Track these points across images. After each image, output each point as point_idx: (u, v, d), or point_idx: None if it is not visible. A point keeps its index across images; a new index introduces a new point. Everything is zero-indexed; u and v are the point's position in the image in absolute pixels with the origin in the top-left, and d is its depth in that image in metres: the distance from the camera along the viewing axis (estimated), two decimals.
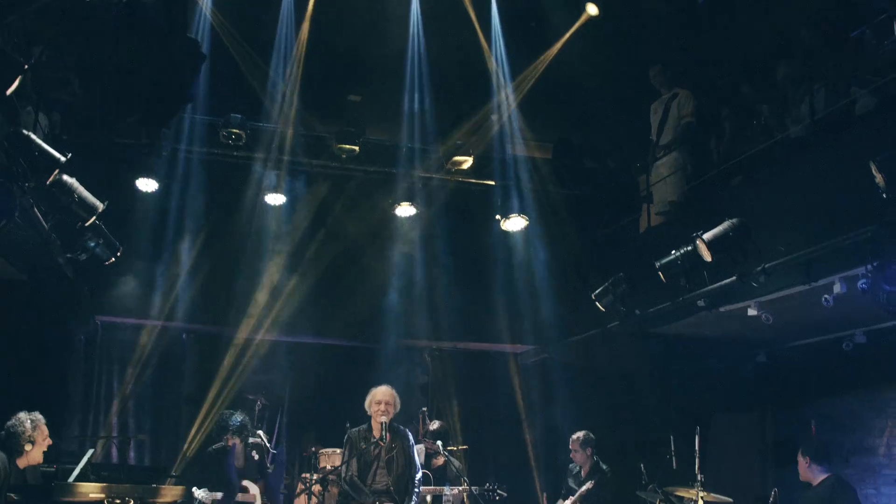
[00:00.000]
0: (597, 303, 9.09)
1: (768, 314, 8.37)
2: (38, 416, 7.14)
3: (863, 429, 10.10)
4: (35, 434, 7.07)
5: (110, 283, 9.56)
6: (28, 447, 7.03)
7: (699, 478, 8.61)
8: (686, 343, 10.08)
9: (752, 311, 8.42)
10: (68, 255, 8.02)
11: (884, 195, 6.48)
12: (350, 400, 8.52)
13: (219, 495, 8.36)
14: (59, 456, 8.58)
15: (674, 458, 9.21)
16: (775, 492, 8.49)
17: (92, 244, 7.92)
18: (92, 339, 9.93)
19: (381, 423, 8.10)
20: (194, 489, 8.19)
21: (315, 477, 8.15)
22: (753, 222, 7.66)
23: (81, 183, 7.24)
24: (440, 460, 9.49)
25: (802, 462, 8.29)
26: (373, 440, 8.24)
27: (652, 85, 10.30)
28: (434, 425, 9.49)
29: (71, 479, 7.67)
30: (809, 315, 8.67)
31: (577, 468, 9.91)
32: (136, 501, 7.78)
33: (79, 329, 9.84)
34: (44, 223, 7.49)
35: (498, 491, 9.01)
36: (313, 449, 8.83)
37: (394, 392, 8.36)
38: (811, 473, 8.26)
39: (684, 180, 9.62)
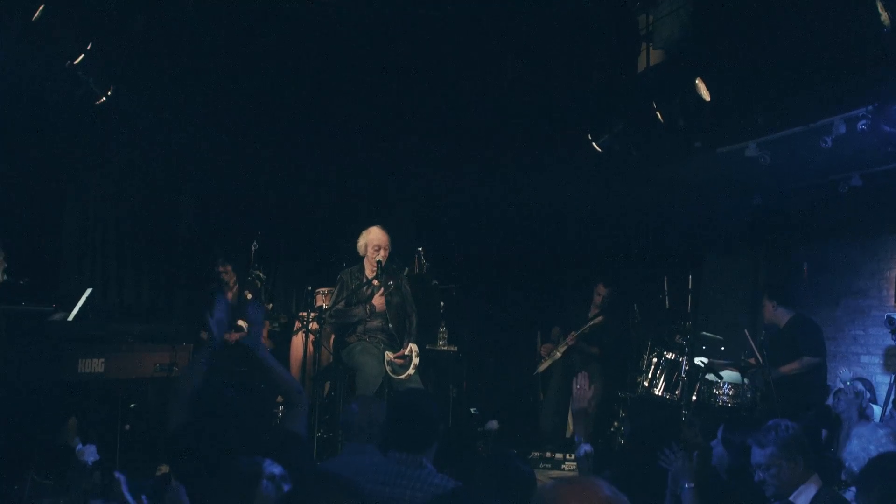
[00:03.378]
0: (593, 143, 9.02)
1: (766, 155, 8.33)
2: None
3: (854, 271, 10.20)
4: None
5: (102, 130, 9.42)
6: None
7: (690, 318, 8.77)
8: (681, 185, 10.05)
9: (750, 152, 8.38)
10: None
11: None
12: (347, 239, 8.53)
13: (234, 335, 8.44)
14: (58, 296, 8.65)
15: (667, 299, 9.32)
16: (745, 332, 8.69)
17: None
18: (85, 183, 9.85)
19: (378, 263, 8.13)
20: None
21: (312, 315, 8.22)
22: (754, 61, 7.53)
23: None
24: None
25: (768, 305, 8.47)
26: (365, 280, 8.28)
27: None
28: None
29: (70, 318, 7.77)
30: (807, 157, 8.61)
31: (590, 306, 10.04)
32: (134, 339, 7.90)
33: (72, 175, 9.75)
34: None
35: None
36: (309, 288, 8.88)
37: (386, 233, 8.35)
38: (777, 316, 8.43)
39: (688, 16, 9.36)
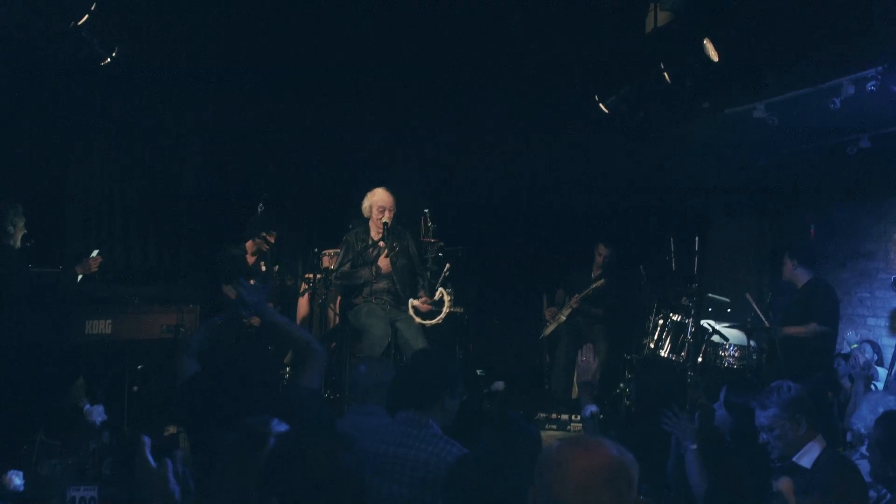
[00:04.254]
0: (600, 104, 8.98)
1: (774, 116, 8.28)
2: None
3: (862, 234, 10.18)
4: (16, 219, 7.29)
5: (106, 92, 9.38)
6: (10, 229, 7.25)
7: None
8: (689, 146, 10.01)
9: (758, 114, 8.33)
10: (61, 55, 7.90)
11: None
12: (353, 200, 8.51)
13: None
14: (64, 258, 8.68)
15: (673, 260, 9.31)
16: (748, 295, 8.70)
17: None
18: (89, 144, 9.83)
19: (384, 225, 8.11)
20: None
21: (318, 277, 8.24)
22: (763, 21, 7.47)
23: None
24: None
25: (788, 264, 8.42)
26: (371, 242, 8.27)
27: None
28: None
29: (78, 280, 7.82)
30: (815, 119, 8.58)
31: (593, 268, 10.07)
32: (141, 300, 7.94)
33: (76, 137, 9.72)
34: None
35: None
36: (315, 249, 8.88)
37: (392, 195, 8.32)
38: (796, 276, 8.40)
39: None
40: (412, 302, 8.19)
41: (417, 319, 8.14)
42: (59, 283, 7.73)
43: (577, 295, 9.75)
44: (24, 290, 7.20)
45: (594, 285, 9.67)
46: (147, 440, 2.99)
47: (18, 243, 7.43)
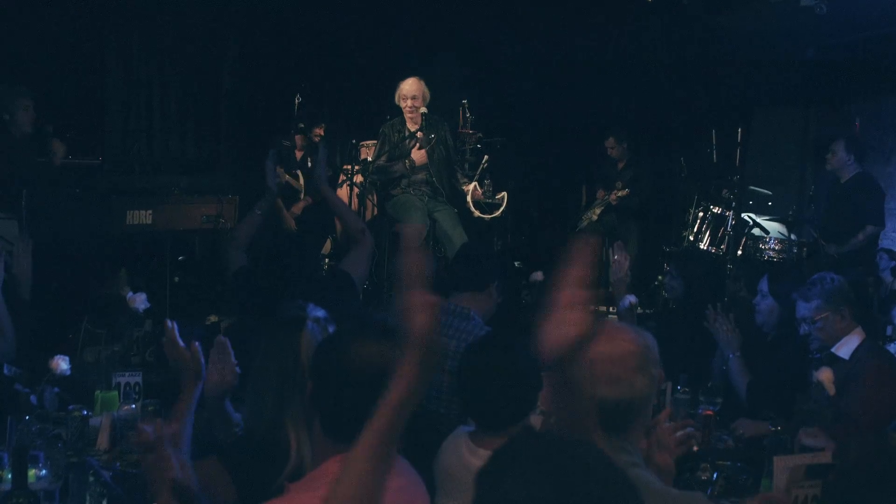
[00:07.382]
0: None
1: (823, 4, 8.06)
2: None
3: None
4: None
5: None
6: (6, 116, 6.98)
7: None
8: (734, 36, 9.80)
9: (806, 2, 8.11)
10: None
11: None
12: (391, 90, 8.41)
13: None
14: (104, 149, 8.74)
15: (714, 152, 9.20)
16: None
17: None
18: (128, 35, 9.78)
19: (422, 115, 8.01)
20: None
21: (356, 168, 8.23)
22: None
23: None
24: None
25: (841, 154, 8.25)
26: (408, 133, 8.19)
27: None
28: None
29: None
30: (865, 7, 8.36)
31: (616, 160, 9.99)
32: (181, 191, 8.00)
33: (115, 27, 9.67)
34: None
35: None
36: (353, 140, 8.86)
37: (422, 83, 8.17)
38: (845, 166, 8.24)
39: None
40: (474, 193, 8.20)
41: (477, 213, 8.15)
42: (100, 175, 7.79)
43: (615, 191, 9.65)
44: (34, 178, 7.02)
45: (622, 186, 9.60)
46: (174, 325, 3.04)
47: (28, 128, 7.14)
